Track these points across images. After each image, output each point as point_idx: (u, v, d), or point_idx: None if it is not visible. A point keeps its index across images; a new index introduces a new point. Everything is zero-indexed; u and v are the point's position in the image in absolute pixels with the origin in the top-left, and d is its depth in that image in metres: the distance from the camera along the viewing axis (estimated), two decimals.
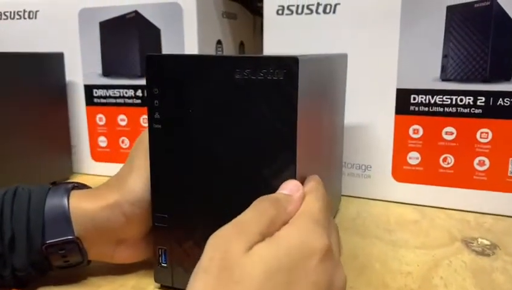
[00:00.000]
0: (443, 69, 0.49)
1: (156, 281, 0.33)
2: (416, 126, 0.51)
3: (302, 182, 0.29)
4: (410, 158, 0.52)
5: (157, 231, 0.32)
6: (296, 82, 0.27)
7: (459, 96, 0.49)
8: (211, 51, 0.60)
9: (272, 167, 0.28)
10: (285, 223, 0.26)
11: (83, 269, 0.35)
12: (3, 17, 0.63)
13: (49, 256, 0.32)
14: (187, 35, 0.56)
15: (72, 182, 0.35)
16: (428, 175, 0.51)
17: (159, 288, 0.34)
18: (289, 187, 0.27)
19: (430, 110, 0.50)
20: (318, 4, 0.52)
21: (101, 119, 0.62)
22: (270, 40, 0.55)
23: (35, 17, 0.62)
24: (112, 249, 0.34)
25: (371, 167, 0.54)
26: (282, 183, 0.28)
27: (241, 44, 0.69)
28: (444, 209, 0.51)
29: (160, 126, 0.31)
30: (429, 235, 0.44)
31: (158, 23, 0.57)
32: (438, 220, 0.48)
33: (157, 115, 0.30)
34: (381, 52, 0.50)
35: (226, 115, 0.29)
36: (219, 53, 0.61)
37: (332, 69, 0.40)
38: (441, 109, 0.49)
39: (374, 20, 0.50)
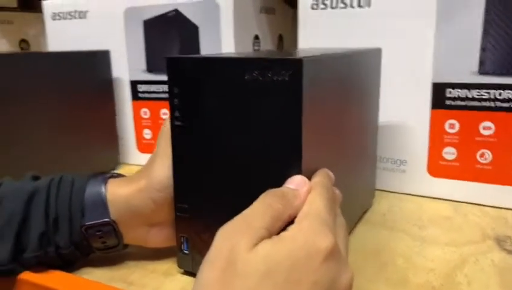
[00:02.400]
0: (481, 62, 0.47)
1: (179, 266, 0.36)
2: (452, 121, 0.50)
3: (310, 177, 0.29)
4: (446, 153, 0.51)
5: (179, 220, 0.34)
6: (300, 83, 0.28)
7: (497, 90, 0.47)
8: (247, 46, 0.61)
9: (280, 164, 0.29)
10: (291, 217, 0.27)
11: (121, 255, 0.38)
12: (57, 17, 0.68)
13: (88, 237, 0.35)
14: (224, 32, 0.58)
15: (111, 172, 0.38)
16: (465, 171, 0.50)
17: (183, 274, 0.36)
18: (295, 182, 0.28)
19: (467, 104, 0.49)
20: None
21: (145, 113, 0.66)
22: (305, 35, 0.55)
23: (85, 17, 0.66)
24: (145, 233, 0.37)
25: (406, 162, 0.53)
26: (287, 178, 0.29)
27: (280, 38, 0.70)
28: (480, 206, 0.49)
29: (180, 123, 0.32)
30: (460, 232, 0.44)
31: (196, 21, 0.59)
32: (472, 216, 0.47)
33: (177, 113, 0.32)
34: (417, 46, 0.50)
35: (238, 113, 0.30)
36: (256, 48, 0.63)
37: (357, 65, 0.40)
38: (479, 104, 0.48)
39: (409, 13, 0.49)
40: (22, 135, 0.52)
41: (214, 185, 0.33)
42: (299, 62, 0.28)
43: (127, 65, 0.65)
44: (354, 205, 0.44)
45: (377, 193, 0.54)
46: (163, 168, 0.35)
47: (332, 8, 0.54)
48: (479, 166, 0.49)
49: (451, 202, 0.51)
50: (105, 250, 0.37)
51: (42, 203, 0.34)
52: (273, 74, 0.29)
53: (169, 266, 0.38)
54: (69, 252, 0.35)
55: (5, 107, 0.50)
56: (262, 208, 0.26)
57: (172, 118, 0.33)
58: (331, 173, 0.32)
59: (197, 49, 0.59)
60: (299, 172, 0.29)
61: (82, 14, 0.66)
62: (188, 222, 0.34)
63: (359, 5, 0.52)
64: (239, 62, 0.30)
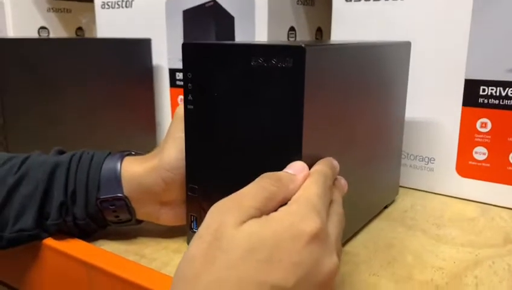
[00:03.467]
0: None
1: (188, 244, 0.37)
2: (484, 120, 0.48)
3: (313, 164, 0.30)
4: (476, 153, 0.49)
5: (190, 199, 0.36)
6: (302, 70, 0.28)
7: None
8: (282, 37, 0.61)
9: (282, 149, 0.30)
10: (285, 200, 0.27)
11: (137, 231, 0.41)
12: (106, 6, 0.72)
13: (102, 210, 0.38)
14: (258, 22, 0.58)
15: (129, 151, 0.41)
16: (496, 172, 0.48)
17: None
18: (294, 167, 0.29)
19: (501, 103, 0.46)
20: None
21: (182, 100, 0.68)
22: (339, 28, 0.55)
23: (131, 6, 0.69)
24: (157, 210, 0.38)
25: (434, 160, 0.52)
26: (288, 163, 0.29)
27: (318, 30, 0.69)
28: (509, 210, 0.47)
29: (192, 107, 0.34)
30: (481, 234, 0.42)
31: (233, 12, 0.60)
32: (498, 219, 0.45)
33: (190, 97, 0.34)
34: (451, 40, 0.48)
35: (245, 98, 0.31)
36: (291, 39, 0.63)
37: (377, 57, 0.40)
38: None
39: (444, 6, 0.48)
40: (65, 116, 0.56)
41: (222, 167, 0.34)
42: (302, 50, 0.28)
43: (167, 53, 0.67)
44: (370, 198, 0.43)
45: (403, 190, 0.53)
46: (173, 150, 0.36)
47: (366, 0, 0.53)
48: (510, 168, 0.47)
49: (479, 203, 0.49)
50: (119, 223, 0.39)
51: (63, 175, 0.37)
52: (277, 60, 0.29)
53: (180, 243, 0.39)
54: (85, 223, 0.38)
55: (52, 89, 0.54)
56: (256, 189, 0.27)
57: (186, 102, 0.34)
58: (335, 163, 0.32)
59: (232, 39, 0.61)
60: (299, 158, 0.30)
61: (128, 4, 0.69)
62: (197, 201, 0.36)
63: None
64: (245, 49, 0.31)
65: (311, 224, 0.25)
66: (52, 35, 0.94)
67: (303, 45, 0.28)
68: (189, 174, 0.36)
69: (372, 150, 0.42)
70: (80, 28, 0.98)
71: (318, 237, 0.25)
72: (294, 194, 0.28)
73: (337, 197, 0.30)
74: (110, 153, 0.39)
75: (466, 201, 0.50)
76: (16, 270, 0.41)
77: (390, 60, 0.43)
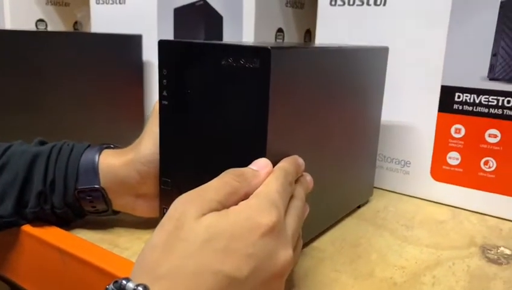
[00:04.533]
0: (491, 68, 0.46)
1: None
2: (458, 126, 0.49)
3: (277, 162, 0.31)
4: (450, 158, 0.50)
5: (162, 192, 0.37)
6: (268, 70, 0.29)
7: (506, 97, 0.46)
8: (270, 38, 0.63)
9: (247, 146, 0.31)
10: (247, 195, 0.29)
11: (113, 221, 0.42)
12: (100, 2, 0.73)
13: (80, 200, 0.39)
14: (246, 23, 0.60)
15: (109, 144, 0.42)
16: (468, 177, 0.49)
17: None
18: (258, 164, 0.30)
19: (474, 110, 0.48)
20: None
21: None
22: (323, 30, 0.56)
23: (125, 3, 0.71)
24: (132, 203, 0.40)
25: (410, 163, 0.53)
26: (252, 160, 0.31)
27: (307, 32, 0.71)
28: (480, 215, 0.49)
29: (166, 102, 0.35)
30: (447, 237, 0.43)
31: (221, 11, 0.61)
32: (467, 223, 0.46)
33: (164, 93, 0.35)
34: (429, 47, 0.49)
35: (215, 96, 0.32)
36: (279, 41, 0.64)
37: (352, 61, 0.41)
38: (486, 110, 0.47)
39: (423, 15, 0.49)
40: (55, 108, 0.57)
41: (193, 161, 0.35)
42: (267, 51, 0.29)
43: (157, 49, 0.68)
44: (341, 197, 0.44)
45: (379, 191, 0.54)
46: (149, 145, 0.38)
47: (349, 5, 0.54)
48: (482, 174, 0.48)
49: (451, 207, 0.50)
50: (96, 213, 0.40)
51: (43, 165, 0.38)
52: (245, 61, 0.31)
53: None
54: (63, 212, 0.39)
55: (42, 81, 0.56)
56: (219, 183, 0.29)
57: (160, 98, 0.36)
58: (300, 161, 0.33)
59: (220, 38, 0.62)
60: (263, 155, 0.31)
61: (122, 0, 0.71)
62: (170, 195, 0.37)
63: (375, 3, 0.52)
64: (216, 48, 0.32)
65: (267, 217, 0.27)
66: (49, 28, 0.95)
67: (269, 47, 0.30)
68: (162, 168, 0.37)
69: (345, 151, 0.43)
70: (77, 22, 0.99)
71: (274, 230, 0.27)
72: (256, 189, 0.29)
73: (299, 193, 0.32)
74: (89, 145, 0.41)
75: (439, 204, 0.51)
76: None
77: (367, 63, 0.44)
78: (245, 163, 0.31)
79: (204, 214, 0.27)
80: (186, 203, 0.27)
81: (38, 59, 0.55)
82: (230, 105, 0.32)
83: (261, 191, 0.29)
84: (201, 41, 0.35)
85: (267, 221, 0.26)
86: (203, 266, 0.25)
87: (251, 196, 0.29)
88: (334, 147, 0.41)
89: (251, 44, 0.32)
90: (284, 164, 0.32)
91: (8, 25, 0.90)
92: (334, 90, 0.39)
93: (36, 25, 0.94)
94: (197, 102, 0.34)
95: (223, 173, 0.30)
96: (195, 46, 0.33)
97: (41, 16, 0.94)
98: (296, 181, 0.32)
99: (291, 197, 0.31)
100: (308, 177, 0.34)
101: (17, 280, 0.42)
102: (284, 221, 0.28)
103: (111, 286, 0.24)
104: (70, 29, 0.99)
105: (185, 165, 0.36)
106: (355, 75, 0.42)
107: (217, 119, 0.33)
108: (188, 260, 0.25)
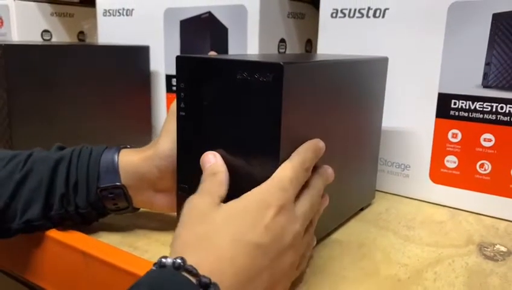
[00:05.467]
0: (485, 76, 0.49)
1: None
2: (455, 130, 0.52)
3: None
4: (447, 161, 0.53)
5: (180, 198, 0.40)
6: (280, 85, 0.32)
7: (499, 104, 0.49)
8: (272, 49, 0.65)
9: (260, 156, 0.34)
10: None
11: (130, 225, 0.44)
12: (107, 14, 0.76)
13: (102, 199, 0.41)
14: (250, 34, 0.62)
15: (124, 145, 0.44)
16: (465, 179, 0.52)
17: None
18: None
19: (470, 115, 0.50)
20: (369, 8, 0.55)
21: None
22: (324, 41, 0.59)
23: (131, 15, 0.73)
24: (152, 198, 0.42)
25: (409, 167, 0.56)
26: (267, 172, 0.33)
27: (308, 41, 0.73)
28: (477, 215, 0.51)
29: (184, 114, 0.38)
30: (447, 236, 0.46)
31: (227, 23, 0.64)
32: (465, 223, 0.49)
33: (182, 104, 0.38)
34: (426, 57, 0.52)
35: (230, 108, 0.35)
36: (281, 51, 0.67)
37: (355, 72, 0.44)
38: (481, 116, 0.50)
39: (420, 26, 0.52)
40: (66, 118, 0.59)
41: None
42: (279, 66, 0.32)
43: (164, 60, 0.71)
44: (346, 200, 0.47)
45: (380, 194, 0.57)
46: (166, 141, 0.40)
47: (350, 17, 0.57)
48: (478, 176, 0.51)
49: (450, 208, 0.53)
50: (118, 211, 0.43)
51: (65, 169, 0.41)
52: (259, 75, 0.33)
53: (170, 237, 0.42)
54: (87, 212, 0.41)
55: (54, 92, 0.58)
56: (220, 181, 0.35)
57: (178, 109, 0.38)
58: (321, 144, 0.36)
59: (225, 49, 0.65)
60: (276, 165, 0.33)
61: (129, 12, 0.73)
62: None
63: (374, 16, 0.55)
64: (231, 64, 0.35)
65: (277, 199, 0.31)
66: (54, 39, 0.98)
67: (281, 62, 0.32)
68: (180, 175, 0.40)
69: (349, 157, 0.46)
70: (81, 32, 1.02)
71: (282, 209, 0.31)
72: None
73: (316, 183, 0.35)
74: (107, 147, 0.43)
75: (438, 206, 0.54)
76: (20, 260, 0.45)
77: (368, 74, 0.47)
78: (258, 173, 0.34)
79: (218, 203, 0.31)
80: (199, 199, 0.32)
81: (50, 71, 0.57)
82: (244, 117, 0.34)
83: (274, 176, 0.32)
84: (217, 56, 0.38)
85: (277, 201, 0.31)
86: (228, 236, 0.29)
87: (265, 181, 0.32)
88: (339, 153, 0.43)
89: (264, 59, 0.34)
90: (303, 150, 0.35)
91: (15, 36, 0.93)
92: (340, 100, 0.42)
93: (42, 36, 0.96)
94: (213, 114, 0.36)
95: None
96: (211, 62, 0.36)
97: (46, 27, 0.97)
98: (316, 172, 0.36)
99: (307, 186, 0.34)
100: (329, 170, 0.37)
101: (41, 283, 0.44)
102: (292, 204, 0.32)
103: (154, 267, 0.28)
104: (75, 39, 1.01)
105: (201, 172, 0.38)
106: (359, 85, 0.45)
107: (231, 131, 0.35)
108: (214, 236, 0.29)
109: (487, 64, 0.49)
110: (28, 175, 0.41)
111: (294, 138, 0.35)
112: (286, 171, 0.32)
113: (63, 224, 0.42)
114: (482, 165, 0.51)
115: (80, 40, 1.02)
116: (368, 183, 0.52)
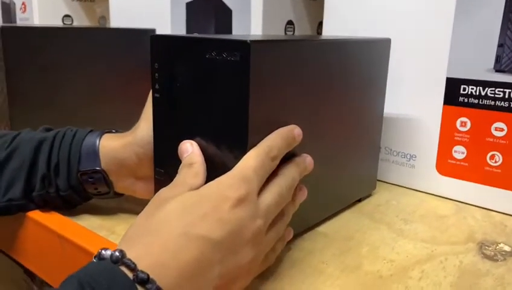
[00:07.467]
0: (497, 59, 0.45)
1: None
2: (464, 118, 0.48)
3: None
4: (455, 152, 0.49)
5: (156, 182, 0.38)
6: (248, 65, 0.30)
7: None
8: (279, 31, 0.63)
9: (230, 137, 0.32)
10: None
11: (113, 208, 0.44)
12: None
13: (83, 182, 0.41)
14: (254, 16, 0.60)
15: (110, 129, 0.43)
16: (473, 172, 0.48)
17: None
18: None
19: (480, 102, 0.46)
20: None
21: None
22: (330, 22, 0.56)
23: None
24: (133, 184, 0.41)
25: (415, 157, 0.52)
26: (236, 159, 0.31)
27: (320, 24, 0.70)
28: (486, 210, 0.47)
29: (158, 95, 0.36)
30: (446, 232, 0.43)
31: (230, 4, 0.62)
32: (469, 219, 0.45)
33: (156, 86, 0.36)
34: (433, 39, 0.48)
35: (201, 88, 0.33)
36: (289, 33, 0.64)
37: (348, 53, 0.41)
38: (492, 102, 0.46)
39: (427, 5, 0.48)
40: (67, 101, 0.59)
41: None
42: (246, 44, 0.30)
43: None
44: (338, 189, 0.44)
45: (384, 185, 0.54)
46: (145, 128, 0.39)
47: None
48: (488, 168, 0.47)
49: (456, 202, 0.49)
50: (100, 195, 0.42)
51: (47, 150, 0.40)
52: (227, 54, 0.31)
53: None
54: (68, 195, 0.41)
55: (56, 75, 0.58)
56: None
57: (153, 90, 0.37)
58: (296, 132, 0.34)
59: (229, 31, 0.63)
60: (245, 145, 0.31)
61: None
62: (163, 184, 0.38)
63: None
64: (200, 42, 0.33)
65: (236, 191, 0.29)
66: (75, 23, 0.99)
67: (248, 40, 0.30)
68: (156, 158, 0.38)
69: (341, 145, 0.43)
70: (102, 17, 1.02)
71: (242, 202, 0.29)
72: None
73: (288, 172, 0.33)
74: (92, 130, 0.42)
75: (443, 199, 0.50)
76: (5, 238, 0.45)
77: (366, 56, 0.44)
78: (229, 161, 0.32)
79: (178, 195, 0.29)
80: (167, 189, 0.31)
81: (51, 53, 0.57)
82: (215, 99, 0.33)
83: (237, 166, 0.30)
84: (188, 35, 0.36)
85: (235, 194, 0.29)
86: (177, 229, 0.27)
87: (226, 173, 0.30)
88: (328, 141, 0.41)
89: (232, 37, 0.32)
90: (272, 136, 0.32)
91: (37, 21, 0.94)
92: (330, 84, 0.39)
93: (62, 20, 0.97)
94: (185, 94, 0.34)
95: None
96: (182, 40, 0.34)
97: (67, 12, 0.98)
98: (291, 161, 0.33)
99: (276, 174, 0.32)
100: (307, 159, 0.35)
101: (24, 262, 0.44)
102: (255, 195, 0.30)
103: (94, 259, 0.27)
104: (96, 24, 1.02)
105: (177, 155, 0.37)
106: (355, 68, 0.42)
107: (203, 114, 0.34)
108: (163, 227, 0.27)
109: (500, 45, 0.44)
110: (12, 154, 0.41)
111: (266, 123, 0.33)
112: (249, 160, 0.30)
113: (47, 206, 0.42)
114: (492, 157, 0.47)
115: (101, 24, 1.03)
116: (367, 172, 0.49)
